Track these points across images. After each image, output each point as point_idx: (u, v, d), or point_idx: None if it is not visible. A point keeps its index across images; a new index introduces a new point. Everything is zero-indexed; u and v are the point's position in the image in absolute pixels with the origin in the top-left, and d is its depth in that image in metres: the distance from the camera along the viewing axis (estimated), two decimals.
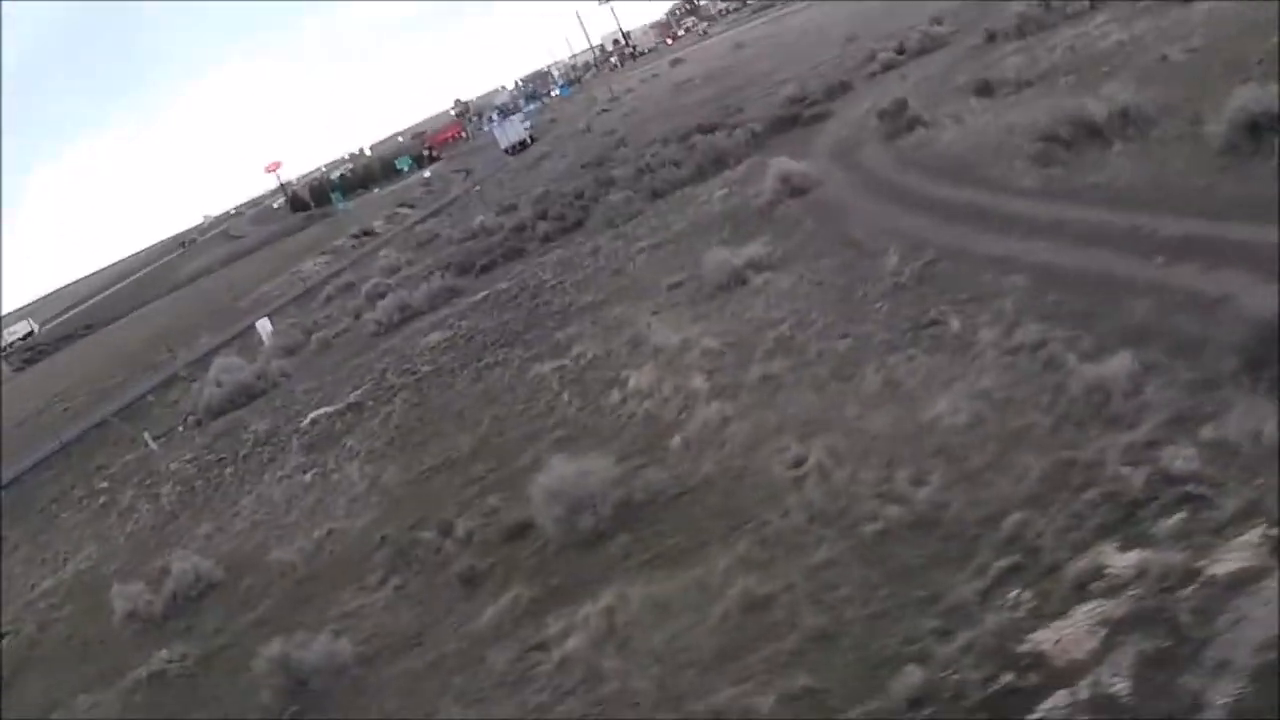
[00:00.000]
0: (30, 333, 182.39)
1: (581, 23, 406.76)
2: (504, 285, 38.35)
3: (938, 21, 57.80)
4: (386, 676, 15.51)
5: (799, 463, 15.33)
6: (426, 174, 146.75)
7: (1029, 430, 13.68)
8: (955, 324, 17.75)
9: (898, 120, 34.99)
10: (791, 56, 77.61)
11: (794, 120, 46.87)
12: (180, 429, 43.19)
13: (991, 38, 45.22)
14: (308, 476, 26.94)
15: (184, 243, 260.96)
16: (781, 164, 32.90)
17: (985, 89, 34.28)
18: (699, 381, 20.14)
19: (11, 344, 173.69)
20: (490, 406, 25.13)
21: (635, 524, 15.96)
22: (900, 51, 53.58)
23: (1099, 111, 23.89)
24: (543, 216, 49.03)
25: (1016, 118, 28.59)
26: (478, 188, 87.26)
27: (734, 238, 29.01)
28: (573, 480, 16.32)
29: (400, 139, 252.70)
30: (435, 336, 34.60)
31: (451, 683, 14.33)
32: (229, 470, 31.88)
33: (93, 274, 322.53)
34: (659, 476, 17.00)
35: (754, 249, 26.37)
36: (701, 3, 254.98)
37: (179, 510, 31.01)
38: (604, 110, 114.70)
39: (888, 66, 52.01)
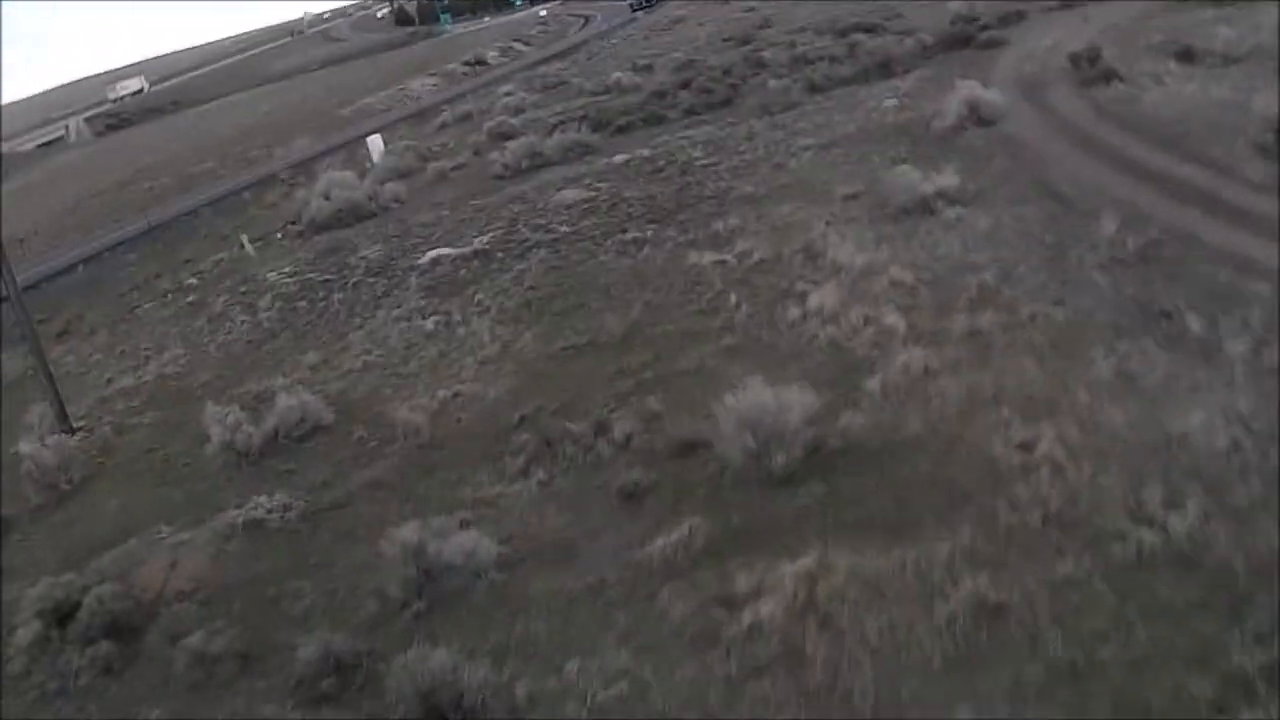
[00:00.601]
0: (141, 89, 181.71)
1: None
2: (645, 152, 36.35)
3: None
4: (534, 591, 13.85)
5: (1026, 446, 13.77)
6: (543, 13, 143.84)
7: None
8: (1194, 324, 15.94)
9: (1092, 68, 32.64)
10: None
11: (965, 40, 44.14)
12: (280, 236, 41.63)
13: None
14: (429, 323, 25.35)
15: (293, 31, 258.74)
16: (969, 87, 30.71)
17: (1187, 55, 31.79)
18: (893, 318, 18.47)
19: (122, 98, 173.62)
20: (641, 289, 23.46)
21: (830, 473, 14.40)
22: None
23: None
24: (685, 86, 46.91)
25: (1227, 94, 26.52)
26: (615, 40, 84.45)
27: (914, 158, 26.94)
28: (772, 411, 14.65)
29: None
30: (571, 194, 32.76)
31: (615, 619, 12.77)
32: (337, 296, 30.29)
33: (194, 47, 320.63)
34: (857, 422, 15.39)
35: (944, 178, 24.24)
36: None
37: (278, 328, 29.52)
38: None
39: (1066, 3, 49.02)
